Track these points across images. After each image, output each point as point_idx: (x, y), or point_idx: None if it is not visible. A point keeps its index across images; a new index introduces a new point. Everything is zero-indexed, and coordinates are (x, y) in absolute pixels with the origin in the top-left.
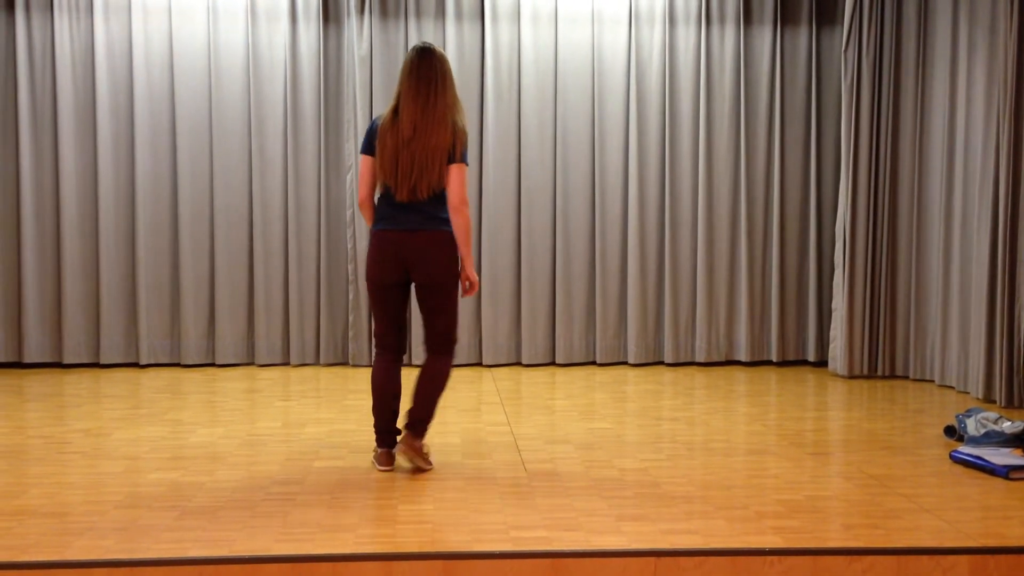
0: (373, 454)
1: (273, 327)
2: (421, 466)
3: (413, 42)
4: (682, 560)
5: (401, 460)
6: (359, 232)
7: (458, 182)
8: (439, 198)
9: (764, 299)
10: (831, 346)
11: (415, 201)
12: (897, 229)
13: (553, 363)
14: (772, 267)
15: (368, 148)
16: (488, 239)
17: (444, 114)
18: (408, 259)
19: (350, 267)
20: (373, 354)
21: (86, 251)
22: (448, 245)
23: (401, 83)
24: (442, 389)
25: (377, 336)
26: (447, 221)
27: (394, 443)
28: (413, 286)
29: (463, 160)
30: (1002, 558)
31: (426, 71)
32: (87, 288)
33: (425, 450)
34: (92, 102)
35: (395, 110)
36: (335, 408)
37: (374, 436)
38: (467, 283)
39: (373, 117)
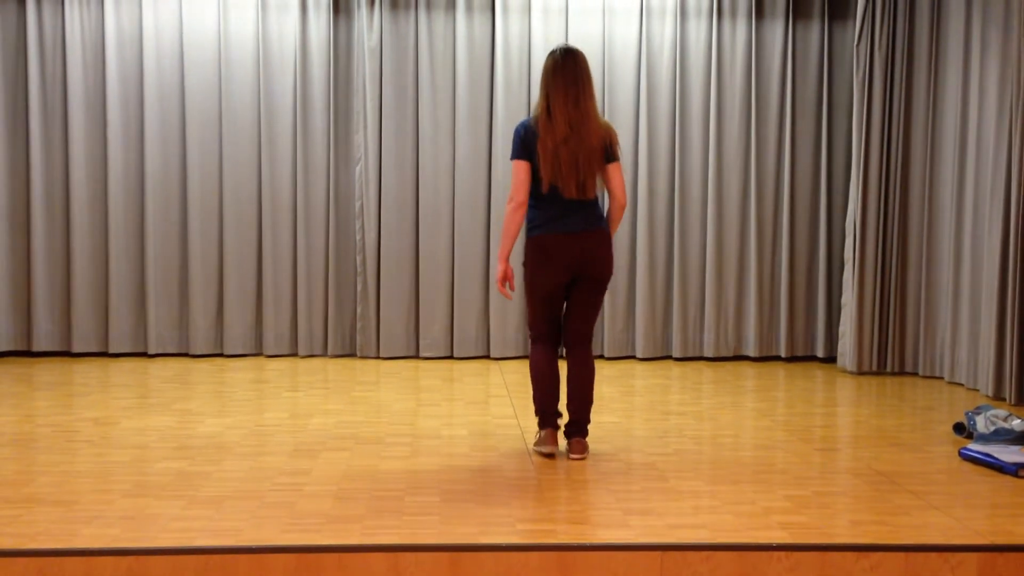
0: (535, 439)
1: (281, 318)
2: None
3: (423, 34)
4: (689, 555)
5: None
6: (367, 223)
7: (622, 179)
8: (598, 198)
9: (773, 294)
10: (840, 342)
11: (584, 200)
12: (908, 225)
13: (561, 356)
14: (781, 262)
15: (523, 153)
16: (496, 231)
17: (593, 113)
18: (577, 260)
19: (359, 258)
20: (529, 346)
21: (95, 240)
22: (609, 242)
23: (547, 83)
24: (594, 379)
25: (536, 331)
26: (604, 219)
27: (557, 424)
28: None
29: (618, 158)
30: (1011, 556)
31: (572, 70)
32: (96, 277)
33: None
34: (102, 92)
35: (547, 110)
36: (343, 399)
37: (537, 420)
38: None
39: (521, 121)
